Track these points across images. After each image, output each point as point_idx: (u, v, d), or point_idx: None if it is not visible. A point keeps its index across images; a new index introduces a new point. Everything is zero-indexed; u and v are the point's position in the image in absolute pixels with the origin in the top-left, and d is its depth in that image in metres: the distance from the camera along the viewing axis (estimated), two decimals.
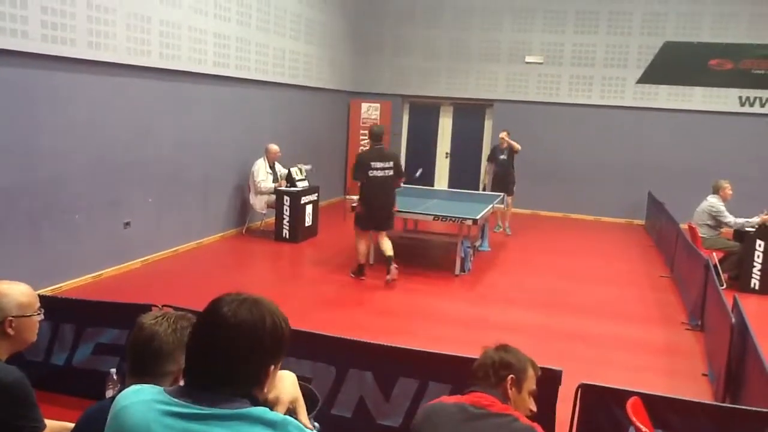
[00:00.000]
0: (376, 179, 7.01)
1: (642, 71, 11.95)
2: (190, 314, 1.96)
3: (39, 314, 2.37)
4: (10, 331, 2.26)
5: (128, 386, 1.58)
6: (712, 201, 7.91)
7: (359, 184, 7.10)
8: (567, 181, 12.38)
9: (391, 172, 7.06)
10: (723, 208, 7.82)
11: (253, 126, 9.44)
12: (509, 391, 2.20)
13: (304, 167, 9.23)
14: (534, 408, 2.30)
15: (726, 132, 11.61)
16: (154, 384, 1.54)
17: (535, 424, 2.12)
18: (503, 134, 10.45)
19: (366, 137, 12.71)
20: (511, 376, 2.22)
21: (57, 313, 3.95)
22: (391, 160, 7.11)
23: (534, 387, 2.30)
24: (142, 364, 1.90)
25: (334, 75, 12.36)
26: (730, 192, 7.97)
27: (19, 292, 2.32)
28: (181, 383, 1.48)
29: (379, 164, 7.02)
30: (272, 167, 9.16)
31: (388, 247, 7.07)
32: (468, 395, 2.19)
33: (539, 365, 2.37)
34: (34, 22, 5.52)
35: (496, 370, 2.22)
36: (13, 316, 2.27)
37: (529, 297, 7.03)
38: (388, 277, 6.98)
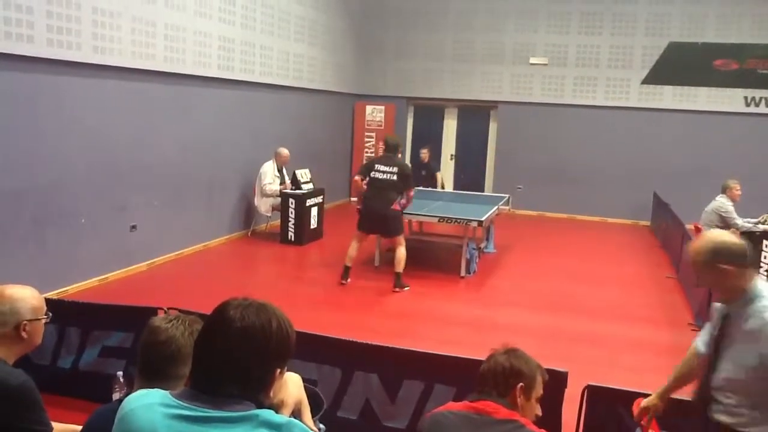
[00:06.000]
0: (376, 180, 7.08)
1: (647, 72, 11.93)
2: (198, 318, 1.96)
3: (47, 318, 2.39)
4: (24, 334, 2.28)
5: (137, 389, 1.58)
6: (722, 201, 7.88)
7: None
8: (572, 182, 12.34)
9: (394, 177, 7.02)
10: (732, 209, 7.78)
11: (258, 129, 9.46)
12: (518, 399, 2.16)
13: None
14: (540, 413, 2.26)
15: (731, 132, 11.57)
16: (166, 387, 1.55)
17: (542, 431, 2.10)
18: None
19: (371, 140, 12.81)
20: (521, 384, 2.17)
21: (63, 317, 3.95)
22: (396, 166, 7.09)
23: (541, 392, 2.25)
24: (157, 367, 1.87)
25: (338, 77, 12.37)
26: (738, 192, 7.93)
27: (31, 296, 2.34)
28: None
29: (383, 167, 7.07)
30: (280, 171, 9.19)
31: (396, 261, 7.06)
32: (473, 402, 2.17)
33: (545, 367, 2.34)
34: (39, 26, 5.55)
35: (506, 378, 2.17)
36: (27, 320, 2.28)
37: (535, 298, 7.02)
38: (396, 288, 7.03)
